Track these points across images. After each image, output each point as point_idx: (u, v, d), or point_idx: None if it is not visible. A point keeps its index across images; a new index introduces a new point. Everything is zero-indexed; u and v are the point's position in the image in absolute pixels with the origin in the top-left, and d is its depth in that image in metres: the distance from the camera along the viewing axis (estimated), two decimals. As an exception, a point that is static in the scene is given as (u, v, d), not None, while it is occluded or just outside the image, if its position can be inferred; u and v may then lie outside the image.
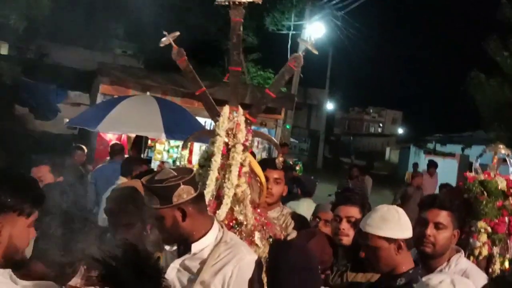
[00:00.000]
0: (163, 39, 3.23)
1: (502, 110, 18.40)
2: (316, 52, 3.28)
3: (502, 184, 4.15)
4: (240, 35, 3.28)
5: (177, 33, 3.26)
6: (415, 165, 21.94)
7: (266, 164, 4.24)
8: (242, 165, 3.25)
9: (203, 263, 2.73)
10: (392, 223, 2.94)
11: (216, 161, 3.21)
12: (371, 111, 70.24)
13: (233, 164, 3.21)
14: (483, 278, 3.25)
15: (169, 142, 12.48)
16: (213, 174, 3.21)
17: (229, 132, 3.22)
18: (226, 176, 3.22)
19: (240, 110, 3.26)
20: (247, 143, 3.28)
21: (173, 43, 3.24)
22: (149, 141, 11.56)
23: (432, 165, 15.26)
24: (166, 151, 12.78)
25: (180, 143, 11.28)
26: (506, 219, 4.04)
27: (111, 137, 11.16)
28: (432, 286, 2.31)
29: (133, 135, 9.87)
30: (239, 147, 3.22)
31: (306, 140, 39.54)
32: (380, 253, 2.96)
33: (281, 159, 3.65)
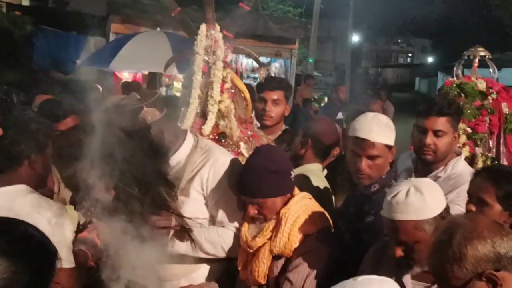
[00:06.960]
0: None
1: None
2: None
3: (481, 85, 4.18)
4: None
5: None
6: (440, 90, 21.60)
7: (263, 85, 4.28)
8: (224, 81, 3.34)
9: (182, 171, 2.86)
10: (390, 130, 2.94)
11: (197, 79, 3.30)
12: (399, 41, 68.49)
13: (214, 81, 3.29)
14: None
15: (186, 79, 12.52)
16: (195, 92, 3.31)
17: (208, 50, 3.28)
18: (209, 93, 3.32)
19: (217, 27, 3.31)
20: (227, 60, 3.36)
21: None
22: (166, 79, 11.62)
23: None
24: (185, 88, 12.80)
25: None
26: (487, 118, 4.06)
27: (126, 77, 11.27)
28: (401, 201, 2.25)
29: (146, 73, 9.97)
30: (219, 64, 3.29)
31: (332, 74, 38.90)
32: (380, 160, 2.90)
33: (262, 72, 3.71)
